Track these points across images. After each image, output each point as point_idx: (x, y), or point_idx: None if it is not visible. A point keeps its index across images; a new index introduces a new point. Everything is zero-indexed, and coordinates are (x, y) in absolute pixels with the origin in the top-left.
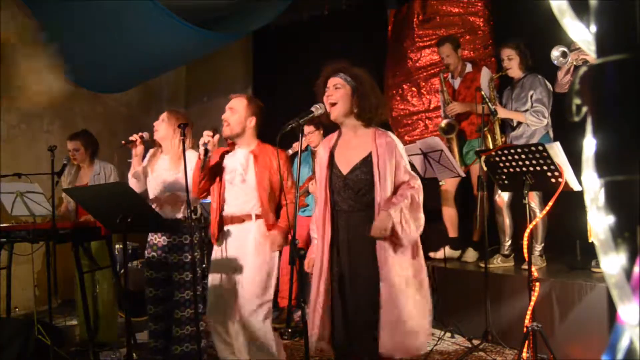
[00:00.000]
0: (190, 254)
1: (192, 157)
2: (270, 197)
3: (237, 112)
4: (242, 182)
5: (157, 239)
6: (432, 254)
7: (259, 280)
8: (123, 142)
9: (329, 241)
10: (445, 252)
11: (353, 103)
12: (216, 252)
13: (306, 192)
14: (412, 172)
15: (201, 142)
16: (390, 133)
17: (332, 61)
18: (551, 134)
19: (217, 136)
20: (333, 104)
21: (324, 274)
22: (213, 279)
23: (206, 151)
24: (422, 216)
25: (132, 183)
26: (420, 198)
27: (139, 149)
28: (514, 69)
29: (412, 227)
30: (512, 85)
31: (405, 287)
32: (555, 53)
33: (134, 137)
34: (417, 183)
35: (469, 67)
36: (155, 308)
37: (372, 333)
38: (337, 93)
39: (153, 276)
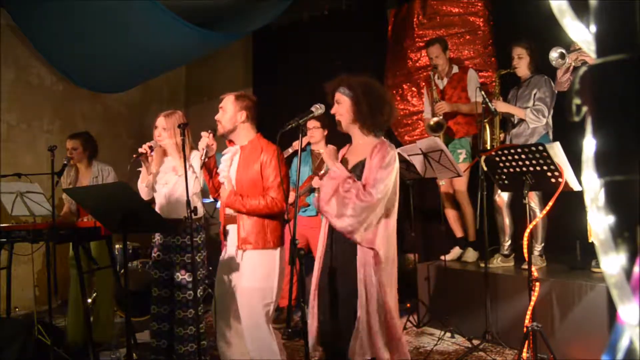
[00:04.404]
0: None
1: (195, 156)
2: (251, 191)
3: (226, 110)
4: (226, 178)
5: (162, 239)
6: (442, 257)
7: (255, 286)
8: (135, 155)
9: (324, 242)
10: (455, 252)
11: (353, 113)
12: (223, 252)
13: (307, 192)
14: (374, 188)
15: (200, 144)
16: (387, 144)
17: (335, 71)
18: (551, 135)
19: (211, 135)
20: (339, 118)
21: (317, 272)
22: (218, 278)
23: (205, 152)
24: (345, 211)
25: (143, 191)
26: (352, 197)
27: (149, 159)
28: (522, 68)
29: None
30: (519, 85)
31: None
32: (554, 54)
33: (144, 148)
34: (370, 195)
35: (455, 69)
36: (158, 308)
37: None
38: (339, 108)
39: (157, 275)
